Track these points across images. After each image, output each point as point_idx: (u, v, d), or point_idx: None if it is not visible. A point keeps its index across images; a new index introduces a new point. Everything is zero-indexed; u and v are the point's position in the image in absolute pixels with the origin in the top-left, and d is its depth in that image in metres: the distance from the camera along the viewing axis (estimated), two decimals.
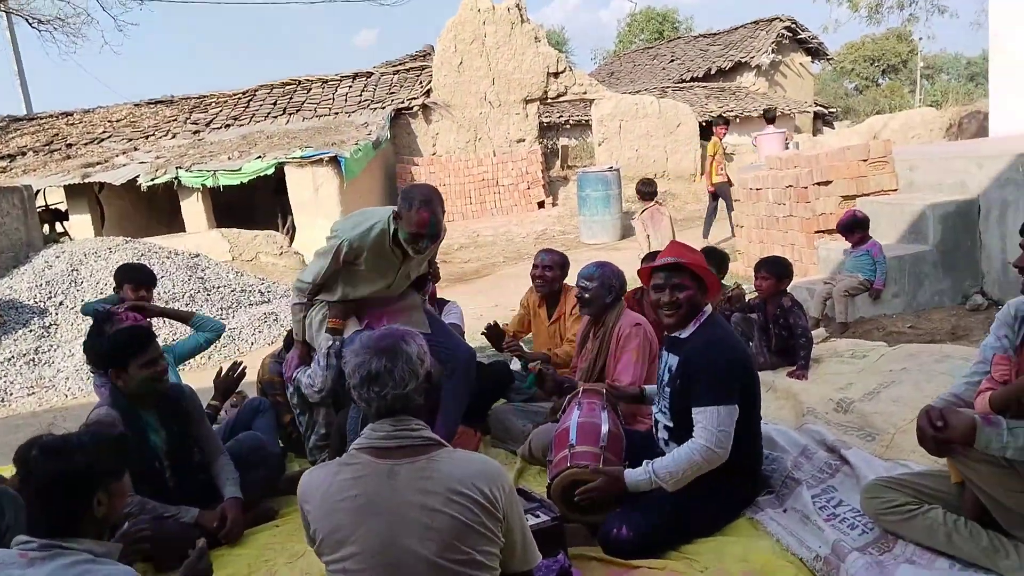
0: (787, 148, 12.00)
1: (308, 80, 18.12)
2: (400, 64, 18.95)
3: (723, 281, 5.12)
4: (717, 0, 79.09)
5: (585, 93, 17.17)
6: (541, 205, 16.66)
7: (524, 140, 16.77)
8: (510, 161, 16.60)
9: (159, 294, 8.29)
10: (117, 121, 17.27)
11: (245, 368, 4.03)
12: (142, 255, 9.21)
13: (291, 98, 17.46)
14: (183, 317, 4.51)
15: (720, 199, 11.12)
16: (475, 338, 4.93)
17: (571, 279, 4.80)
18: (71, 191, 13.93)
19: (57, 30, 19.94)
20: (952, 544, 2.37)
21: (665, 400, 2.94)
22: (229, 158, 13.43)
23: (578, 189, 13.79)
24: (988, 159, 6.15)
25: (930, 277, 6.07)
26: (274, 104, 17.22)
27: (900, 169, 7.10)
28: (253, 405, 4.07)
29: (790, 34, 23.17)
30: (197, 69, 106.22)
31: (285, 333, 4.41)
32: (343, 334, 3.46)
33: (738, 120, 19.69)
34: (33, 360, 7.49)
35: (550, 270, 4.63)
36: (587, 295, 3.82)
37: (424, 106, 16.32)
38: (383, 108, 16.07)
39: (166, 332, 7.51)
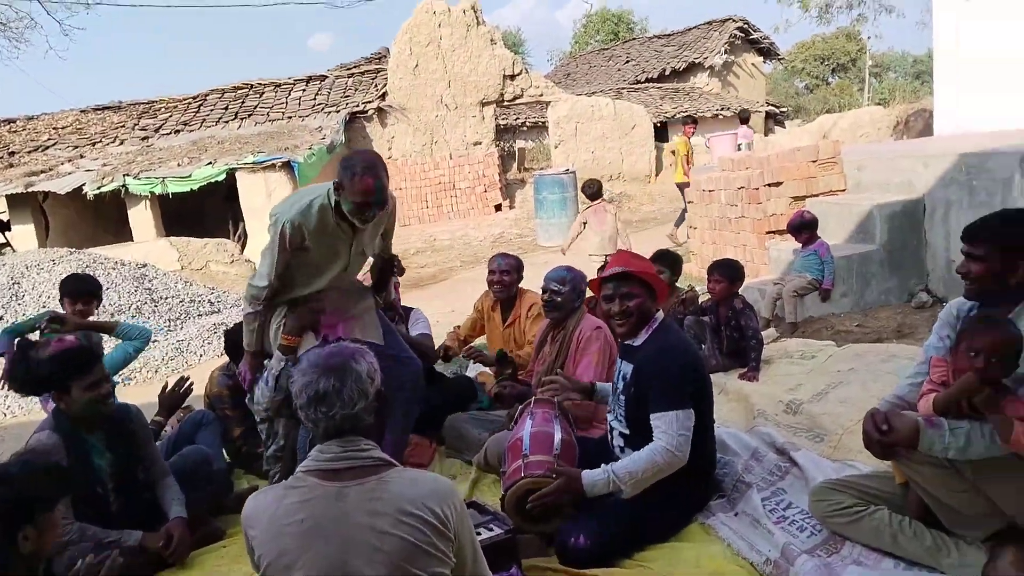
0: (739, 149, 12.20)
1: (261, 84, 17.87)
2: (355, 67, 18.80)
3: (676, 283, 5.17)
4: (671, 1, 79.99)
5: (541, 95, 17.23)
6: (498, 208, 16.67)
7: (481, 143, 16.75)
8: (467, 164, 16.58)
9: (105, 307, 8.09)
10: (62, 128, 16.84)
11: (192, 384, 3.93)
12: (87, 266, 8.97)
13: (243, 102, 17.20)
14: (106, 328, 4.23)
15: None
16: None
17: (526, 283, 4.82)
18: (13, 201, 13.54)
19: None
20: (897, 544, 2.42)
21: (621, 408, 2.95)
22: (179, 164, 13.17)
23: (535, 192, 13.82)
24: (933, 159, 6.29)
25: (877, 276, 6.19)
26: (225, 109, 16.95)
27: (848, 169, 7.23)
28: (196, 418, 3.97)
29: (742, 34, 23.55)
30: (146, 74, 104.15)
31: (224, 341, 4.28)
32: (297, 352, 3.27)
33: (682, 122, 19.92)
34: None
35: (507, 275, 4.62)
36: (559, 299, 3.82)
37: (379, 109, 16.21)
38: (337, 112, 15.91)
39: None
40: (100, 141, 15.83)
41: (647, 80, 23.72)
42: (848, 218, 6.54)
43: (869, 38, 28.05)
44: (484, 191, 16.66)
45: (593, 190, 8.08)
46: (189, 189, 12.68)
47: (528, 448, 2.94)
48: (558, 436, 3.00)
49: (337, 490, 1.86)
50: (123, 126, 16.57)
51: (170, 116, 16.91)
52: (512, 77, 16.63)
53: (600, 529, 2.68)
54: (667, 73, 23.52)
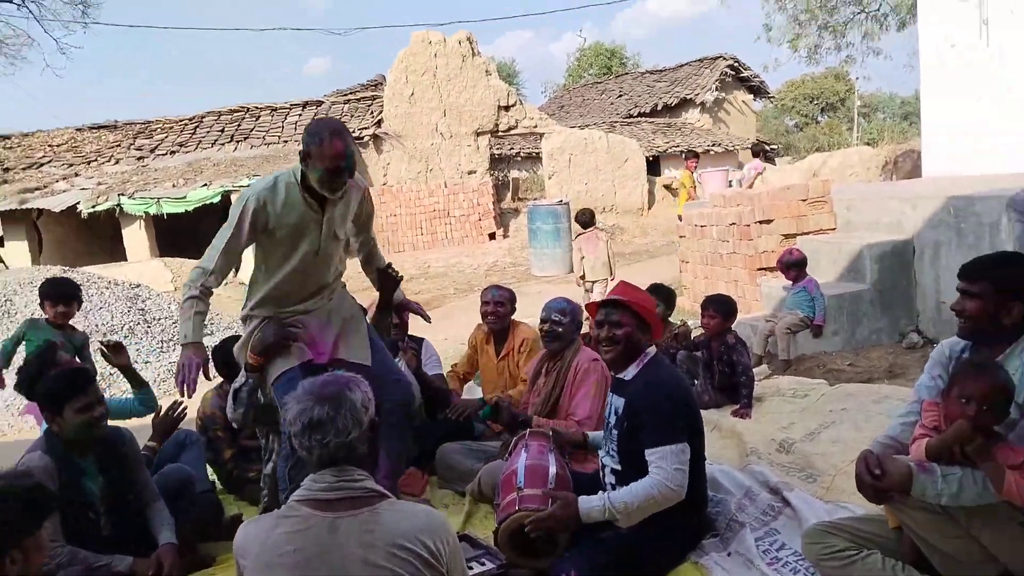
0: (730, 186, 12.35)
1: (257, 108, 17.97)
2: (351, 93, 18.95)
3: (669, 318, 5.20)
4: (664, 37, 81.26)
5: (535, 127, 17.40)
6: (492, 237, 16.74)
7: (475, 172, 16.86)
8: (461, 192, 16.67)
9: (97, 327, 8.05)
10: (58, 145, 16.85)
11: (186, 408, 3.90)
12: (80, 285, 8.91)
13: (239, 125, 17.28)
14: (137, 382, 4.11)
15: None
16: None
17: (519, 312, 4.83)
18: (7, 217, 13.51)
19: None
20: None
21: (612, 443, 2.95)
22: (174, 185, 13.20)
23: (528, 222, 13.90)
24: (922, 200, 6.39)
25: (868, 315, 6.25)
26: (221, 131, 17.01)
27: (838, 208, 7.33)
28: (179, 438, 3.91)
29: (733, 72, 23.91)
30: (143, 94, 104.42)
31: (213, 358, 4.18)
32: (262, 372, 3.18)
33: (684, 156, 20.13)
34: None
35: (502, 306, 4.62)
36: (560, 329, 3.83)
37: (375, 136, 16.31)
38: None
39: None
40: (95, 160, 15.84)
41: (639, 114, 24.01)
42: (839, 257, 6.62)
43: (858, 79, 28.48)
44: (478, 219, 16.74)
45: (586, 219, 8.42)
46: (184, 210, 12.68)
47: (523, 481, 2.94)
48: (553, 470, 3.00)
49: (330, 521, 1.86)
50: (119, 145, 16.60)
51: (166, 137, 16.95)
52: (507, 108, 16.80)
53: (592, 565, 2.67)
54: (659, 108, 23.83)
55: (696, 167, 12.50)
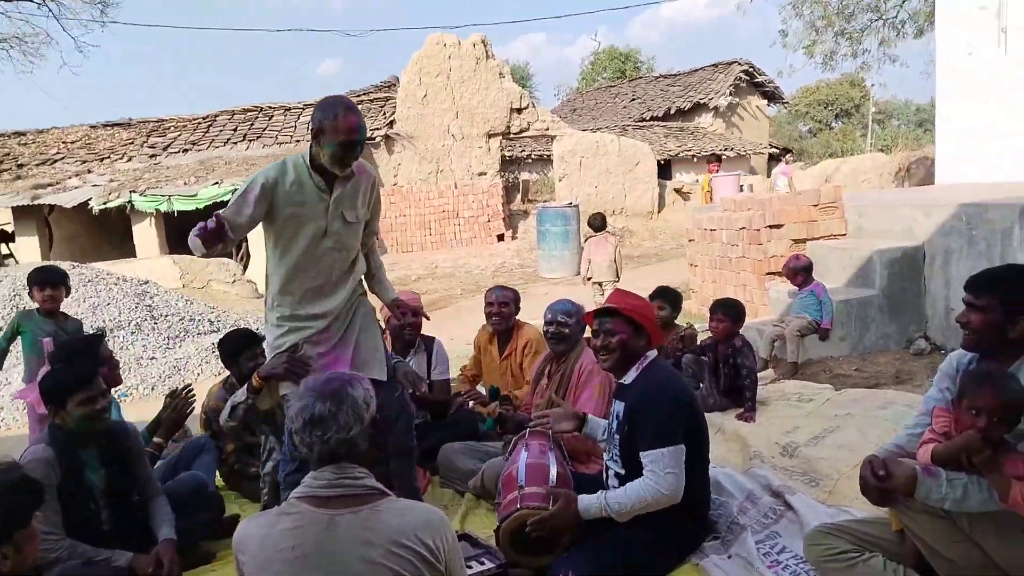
0: (741, 190, 12.34)
1: (270, 107, 18.06)
2: (364, 94, 19.00)
3: (676, 320, 5.19)
4: (678, 42, 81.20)
5: (547, 129, 17.40)
6: (501, 238, 16.74)
7: (486, 173, 16.88)
8: (471, 194, 16.69)
9: (104, 322, 8.09)
10: (72, 142, 16.97)
11: (194, 393, 3.89)
12: (89, 280, 8.98)
13: (252, 124, 17.36)
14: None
15: None
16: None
17: (525, 314, 4.82)
18: (19, 212, 13.61)
19: (14, 48, 19.58)
20: None
21: (615, 448, 2.93)
22: (185, 183, 13.26)
23: (537, 223, 13.90)
24: (934, 207, 6.34)
25: (876, 321, 6.20)
26: (234, 130, 17.10)
27: (850, 215, 7.28)
28: (199, 443, 3.96)
29: (747, 77, 23.85)
30: (157, 92, 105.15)
31: (220, 350, 4.13)
32: (260, 394, 3.22)
33: (695, 160, 20.10)
34: None
35: (506, 306, 4.63)
36: (566, 331, 3.83)
37: (387, 136, 16.35)
38: None
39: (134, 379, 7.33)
40: (108, 157, 15.95)
41: (652, 118, 23.97)
42: (849, 263, 6.58)
43: (873, 85, 28.36)
44: (488, 221, 16.75)
45: (598, 223, 8.73)
46: (195, 208, 12.74)
47: (524, 480, 2.94)
48: (554, 469, 3.00)
49: (329, 518, 1.86)
50: (132, 143, 16.71)
51: (179, 135, 17.05)
52: (519, 110, 16.81)
53: (591, 566, 2.66)
54: (672, 112, 23.78)
55: (718, 171, 12.56)
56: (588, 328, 4.08)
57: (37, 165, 15.66)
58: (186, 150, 16.14)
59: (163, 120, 17.93)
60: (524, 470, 2.99)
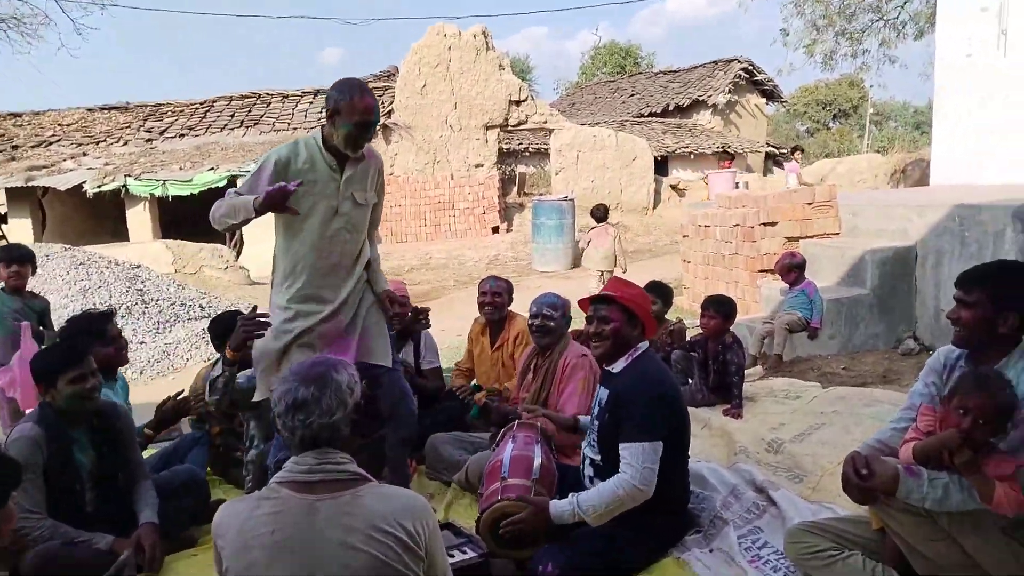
0: (737, 187, 12.35)
1: (268, 94, 17.99)
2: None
3: (666, 315, 5.19)
4: (680, 39, 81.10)
5: (545, 122, 17.37)
6: (495, 230, 16.73)
7: (482, 165, 16.85)
8: (467, 185, 16.67)
9: (95, 305, 8.07)
10: (68, 125, 16.89)
11: (189, 402, 3.91)
12: (81, 263, 8.96)
13: (250, 111, 17.29)
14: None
15: None
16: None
17: (518, 306, 4.81)
18: (13, 194, 13.55)
19: (12, 29, 19.46)
20: None
21: (594, 434, 2.94)
22: (180, 168, 13.21)
23: (533, 216, 13.90)
24: (928, 208, 6.35)
25: (865, 320, 6.22)
26: (232, 116, 17.03)
27: (844, 214, 7.29)
28: (195, 436, 4.00)
29: (747, 75, 23.80)
30: (156, 76, 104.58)
31: (210, 332, 4.16)
32: (235, 367, 3.27)
33: (692, 157, 20.08)
34: None
35: (499, 296, 4.62)
36: (551, 324, 3.82)
37: (384, 126, 16.30)
38: None
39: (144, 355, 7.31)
40: (104, 140, 15.88)
41: (650, 114, 23.94)
42: (840, 261, 6.59)
43: (872, 86, 28.41)
44: (483, 213, 16.73)
45: (600, 214, 9.14)
46: (189, 193, 12.70)
47: (507, 471, 2.94)
48: (538, 461, 2.99)
49: (309, 504, 1.85)
50: (128, 127, 16.63)
51: (176, 120, 16.98)
52: (518, 103, 16.77)
53: (571, 558, 2.66)
54: (670, 108, 23.74)
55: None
56: (574, 321, 4.12)
57: (32, 147, 15.59)
58: (182, 135, 16.08)
59: (160, 104, 17.85)
60: (508, 461, 2.99)
